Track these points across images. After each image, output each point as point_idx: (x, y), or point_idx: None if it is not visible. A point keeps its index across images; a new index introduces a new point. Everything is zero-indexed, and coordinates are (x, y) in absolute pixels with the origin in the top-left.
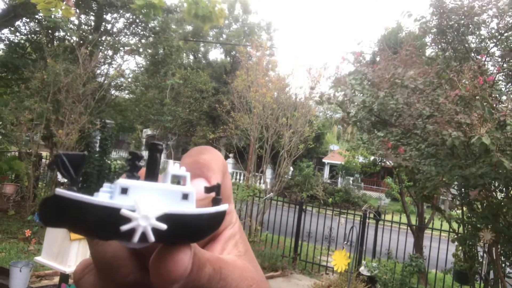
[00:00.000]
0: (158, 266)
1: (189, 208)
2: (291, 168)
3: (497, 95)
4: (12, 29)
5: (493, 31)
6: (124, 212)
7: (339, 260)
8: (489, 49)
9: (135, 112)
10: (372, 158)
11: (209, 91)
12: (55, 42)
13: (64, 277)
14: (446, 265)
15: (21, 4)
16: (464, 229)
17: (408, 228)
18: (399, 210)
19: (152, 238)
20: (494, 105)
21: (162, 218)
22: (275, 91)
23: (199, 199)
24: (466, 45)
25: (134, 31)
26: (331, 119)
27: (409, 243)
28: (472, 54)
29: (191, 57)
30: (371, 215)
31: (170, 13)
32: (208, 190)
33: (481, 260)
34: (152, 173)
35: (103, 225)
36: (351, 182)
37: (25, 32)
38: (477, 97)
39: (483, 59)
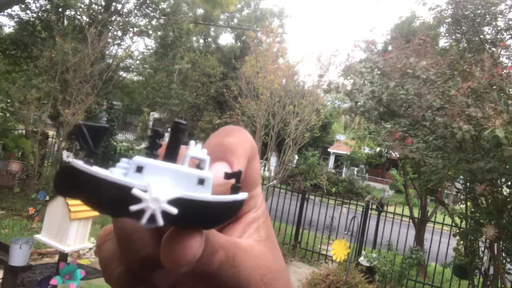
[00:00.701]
0: (167, 249)
1: (204, 194)
2: (296, 157)
3: (511, 90)
4: (23, 6)
5: (510, 22)
6: (136, 192)
7: (339, 249)
8: (505, 41)
9: (142, 94)
10: (378, 149)
11: (217, 76)
12: (65, 21)
13: (63, 255)
14: (446, 259)
15: None
16: (467, 224)
17: (410, 220)
18: (403, 202)
19: (161, 221)
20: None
21: (174, 201)
22: (284, 78)
23: (218, 184)
24: (482, 36)
25: (144, 12)
26: (339, 109)
27: (410, 236)
28: (487, 46)
29: (201, 40)
30: (374, 206)
31: None
32: (228, 176)
33: (481, 255)
34: (172, 153)
35: (114, 202)
36: (355, 172)
37: (36, 10)
38: (494, 87)
39: (499, 50)
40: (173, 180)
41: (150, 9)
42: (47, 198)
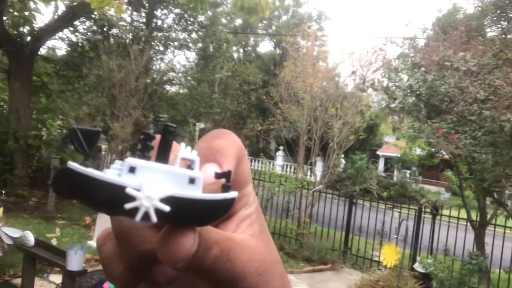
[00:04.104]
0: (162, 246)
1: (195, 192)
2: (343, 161)
3: None
4: (72, 29)
5: None
6: (129, 190)
7: (388, 254)
8: None
9: (187, 106)
10: (430, 149)
11: (258, 83)
12: (111, 39)
13: None
14: None
15: (78, 5)
16: None
17: (469, 224)
18: (460, 205)
19: (154, 218)
20: None
21: (166, 200)
22: (323, 80)
23: (208, 183)
24: None
25: (183, 26)
26: (385, 110)
27: (469, 240)
28: None
29: (241, 50)
30: (428, 210)
31: (218, 7)
32: (218, 176)
33: None
34: (163, 155)
35: (109, 201)
36: (407, 175)
37: (83, 31)
38: None
39: None
40: (165, 180)
41: (189, 22)
42: None
